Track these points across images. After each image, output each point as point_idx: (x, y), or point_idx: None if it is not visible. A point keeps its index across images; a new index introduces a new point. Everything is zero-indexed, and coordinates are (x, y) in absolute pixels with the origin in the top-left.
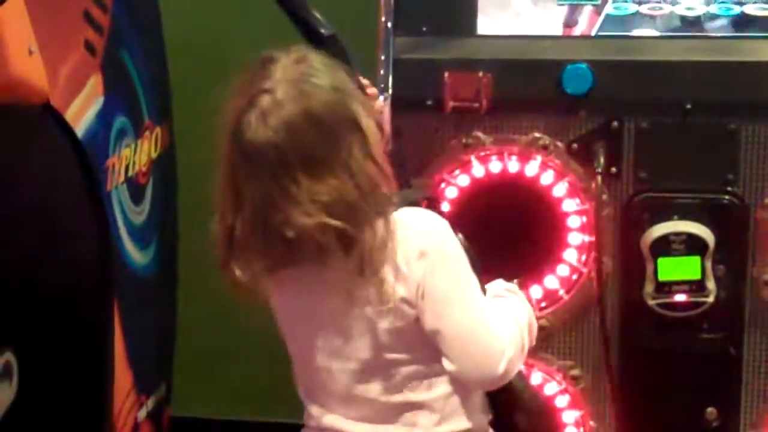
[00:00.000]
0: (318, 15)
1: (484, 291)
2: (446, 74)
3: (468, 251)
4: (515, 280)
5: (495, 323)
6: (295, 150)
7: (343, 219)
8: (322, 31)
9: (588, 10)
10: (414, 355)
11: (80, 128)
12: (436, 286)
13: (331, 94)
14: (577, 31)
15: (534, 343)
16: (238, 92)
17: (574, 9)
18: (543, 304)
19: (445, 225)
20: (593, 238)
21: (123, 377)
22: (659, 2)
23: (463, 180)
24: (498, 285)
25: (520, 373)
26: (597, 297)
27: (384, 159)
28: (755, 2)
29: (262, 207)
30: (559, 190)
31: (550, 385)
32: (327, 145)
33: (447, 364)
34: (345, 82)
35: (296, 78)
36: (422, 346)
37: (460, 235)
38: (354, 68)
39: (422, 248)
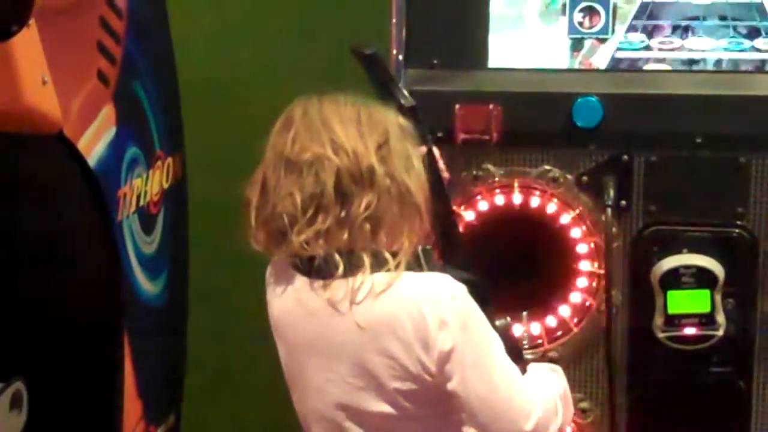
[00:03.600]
0: (401, 87)
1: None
2: (457, 106)
3: (483, 289)
4: (524, 313)
5: (522, 384)
6: None
7: None
8: (402, 101)
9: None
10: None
11: (92, 158)
12: (461, 355)
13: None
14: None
15: (571, 417)
16: None
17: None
18: (552, 336)
19: (463, 289)
20: (602, 271)
21: (132, 407)
22: (669, 36)
23: (473, 212)
24: (540, 364)
25: None
26: (606, 329)
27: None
28: (765, 37)
29: None
30: (568, 222)
31: None
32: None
33: (475, 424)
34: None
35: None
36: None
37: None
38: (428, 141)
39: (443, 317)
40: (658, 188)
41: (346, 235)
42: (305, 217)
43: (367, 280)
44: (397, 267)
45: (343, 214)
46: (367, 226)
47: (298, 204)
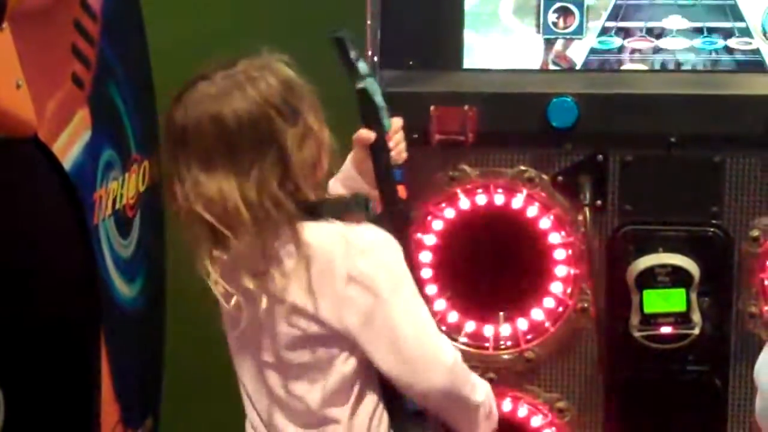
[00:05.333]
0: (362, 70)
1: None
2: (432, 108)
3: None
4: (501, 313)
5: (438, 335)
6: (196, 142)
7: (217, 218)
8: (356, 83)
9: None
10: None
11: (67, 161)
12: (374, 316)
13: (254, 107)
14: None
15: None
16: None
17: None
18: (529, 337)
19: (384, 242)
20: (579, 271)
21: (110, 410)
22: (644, 36)
23: (450, 213)
24: None
25: None
26: (596, 329)
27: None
28: (738, 36)
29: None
30: (545, 222)
31: (536, 418)
32: (226, 149)
33: (383, 367)
34: (286, 101)
35: (234, 80)
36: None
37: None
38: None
39: (351, 272)
40: (633, 188)
41: None
42: None
43: None
44: None
45: None
46: None
47: None
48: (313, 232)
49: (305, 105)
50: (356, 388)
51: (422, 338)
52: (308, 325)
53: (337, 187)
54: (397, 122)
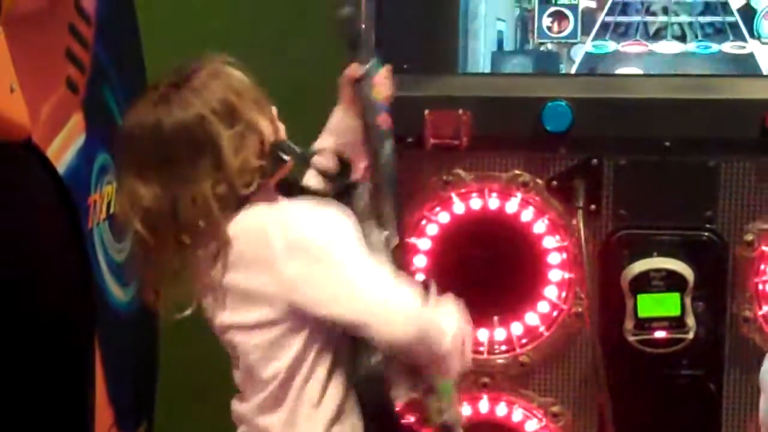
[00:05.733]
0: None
1: None
2: (427, 112)
3: None
4: (495, 318)
5: (397, 287)
6: (135, 150)
7: (147, 227)
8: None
9: None
10: None
11: (62, 165)
12: (323, 278)
13: (192, 115)
14: None
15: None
16: None
17: None
18: (523, 341)
19: (318, 210)
20: (573, 275)
21: (104, 414)
22: (638, 41)
23: (444, 217)
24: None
25: None
26: (591, 334)
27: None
28: (732, 40)
29: None
30: (539, 226)
31: (530, 422)
32: (161, 158)
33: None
34: (227, 105)
35: (175, 89)
36: None
37: None
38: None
39: (290, 243)
40: (627, 192)
41: None
42: None
43: None
44: None
45: None
46: None
47: None
48: (242, 219)
49: (247, 103)
50: (309, 361)
51: (378, 291)
52: (258, 311)
53: (326, 133)
54: (384, 68)
